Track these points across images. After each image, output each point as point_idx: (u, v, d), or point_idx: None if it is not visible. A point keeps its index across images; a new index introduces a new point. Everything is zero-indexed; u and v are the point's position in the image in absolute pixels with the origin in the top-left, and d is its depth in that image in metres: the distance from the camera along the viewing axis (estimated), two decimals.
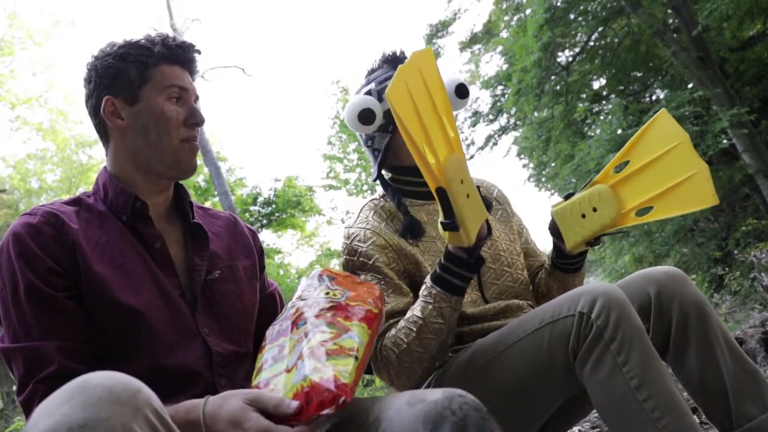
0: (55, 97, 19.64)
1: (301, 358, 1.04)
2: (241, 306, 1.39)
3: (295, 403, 0.97)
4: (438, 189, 1.33)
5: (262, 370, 1.12)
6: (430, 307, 1.50)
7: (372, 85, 1.78)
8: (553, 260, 1.76)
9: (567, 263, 1.74)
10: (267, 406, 0.99)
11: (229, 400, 1.01)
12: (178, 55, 1.38)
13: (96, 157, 18.58)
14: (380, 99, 1.74)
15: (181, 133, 1.35)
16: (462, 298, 1.51)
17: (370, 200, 1.79)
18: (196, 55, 1.43)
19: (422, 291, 1.54)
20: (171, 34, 1.41)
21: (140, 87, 1.34)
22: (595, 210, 1.57)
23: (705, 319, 1.47)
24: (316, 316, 1.13)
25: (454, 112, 1.50)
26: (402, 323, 1.54)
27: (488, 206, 1.82)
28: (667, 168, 1.52)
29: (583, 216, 1.59)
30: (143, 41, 1.37)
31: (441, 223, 1.38)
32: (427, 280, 1.53)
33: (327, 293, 1.21)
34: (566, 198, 1.63)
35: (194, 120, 1.37)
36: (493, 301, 1.70)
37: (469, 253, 1.43)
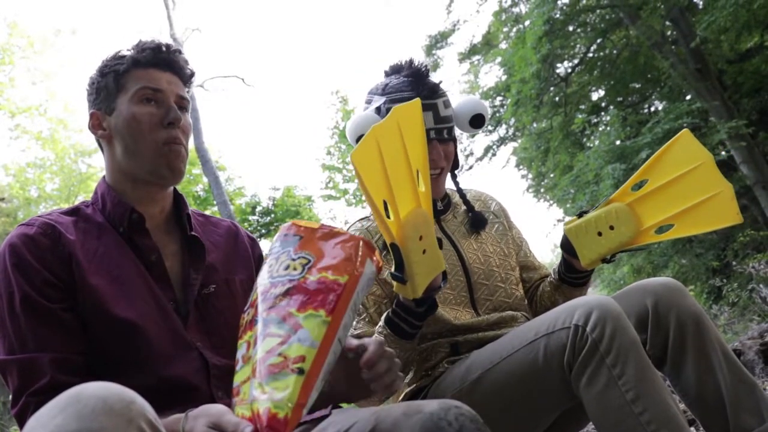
0: (54, 106, 19.70)
1: (253, 371, 0.97)
2: (235, 322, 1.34)
3: (249, 428, 0.91)
4: (391, 244, 1.31)
5: (235, 371, 1.04)
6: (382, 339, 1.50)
7: (382, 101, 1.73)
8: (561, 274, 1.75)
9: (576, 277, 1.73)
10: (226, 431, 0.95)
11: (199, 421, 0.99)
12: (149, 56, 1.35)
13: (95, 165, 18.63)
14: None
15: (160, 136, 1.31)
16: (413, 343, 1.51)
17: (358, 221, 1.79)
18: (177, 54, 1.39)
19: (377, 328, 1.54)
20: (156, 39, 1.39)
21: (116, 95, 1.33)
22: (612, 228, 1.57)
23: (702, 330, 1.47)
24: (269, 309, 1.02)
25: (465, 134, 1.50)
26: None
27: (482, 222, 1.82)
28: (689, 187, 1.52)
29: (599, 234, 1.58)
30: (120, 51, 1.37)
31: (390, 273, 1.37)
32: (381, 319, 1.53)
33: (287, 266, 1.07)
34: (579, 216, 1.62)
35: (169, 119, 1.32)
36: (486, 315, 1.70)
37: (417, 303, 1.43)
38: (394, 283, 1.37)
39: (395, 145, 1.28)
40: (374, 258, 1.11)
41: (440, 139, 1.71)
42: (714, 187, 1.50)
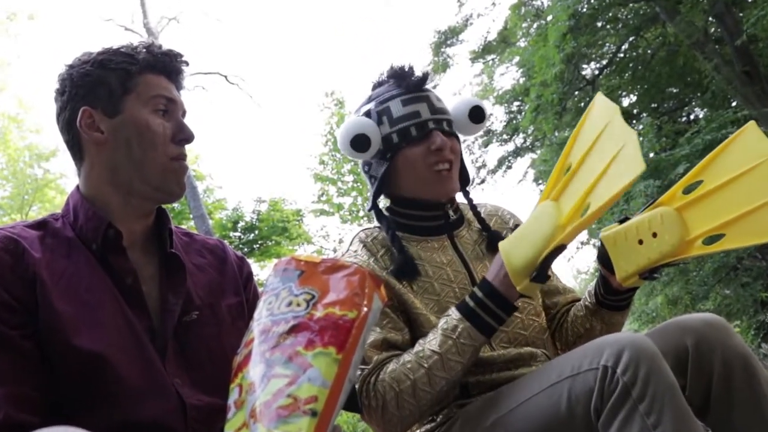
0: (6, 100, 19.56)
1: (253, 416, 0.99)
2: (221, 352, 1.36)
3: None
4: (561, 247, 1.44)
5: (227, 419, 1.06)
6: (451, 342, 1.50)
7: (371, 105, 1.79)
8: (599, 296, 1.74)
9: (616, 299, 1.71)
10: None
11: None
12: (165, 63, 1.40)
13: (53, 171, 18.58)
14: (380, 122, 1.76)
15: (170, 151, 1.37)
16: (488, 340, 1.52)
17: (362, 230, 1.80)
18: (184, 66, 1.44)
19: (443, 324, 1.54)
20: (155, 41, 1.42)
21: (122, 97, 1.35)
22: (655, 236, 1.52)
23: (751, 374, 1.46)
24: (273, 349, 1.05)
25: (467, 138, 1.53)
26: (408, 357, 1.54)
27: (500, 239, 1.82)
28: (747, 189, 1.45)
29: (640, 242, 1.53)
30: (125, 48, 1.39)
31: (532, 278, 1.46)
32: (453, 311, 1.53)
33: (290, 302, 1.11)
34: (621, 222, 1.59)
35: (183, 135, 1.39)
36: (501, 350, 1.69)
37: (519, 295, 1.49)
38: (524, 282, 1.47)
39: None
40: (381, 292, 1.15)
41: (440, 129, 1.75)
42: None
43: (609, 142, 1.46)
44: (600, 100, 1.55)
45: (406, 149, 1.73)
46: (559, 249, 1.46)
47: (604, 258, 1.62)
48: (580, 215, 1.44)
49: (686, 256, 1.53)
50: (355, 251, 1.73)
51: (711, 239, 1.50)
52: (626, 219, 1.59)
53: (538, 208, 1.55)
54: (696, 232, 1.50)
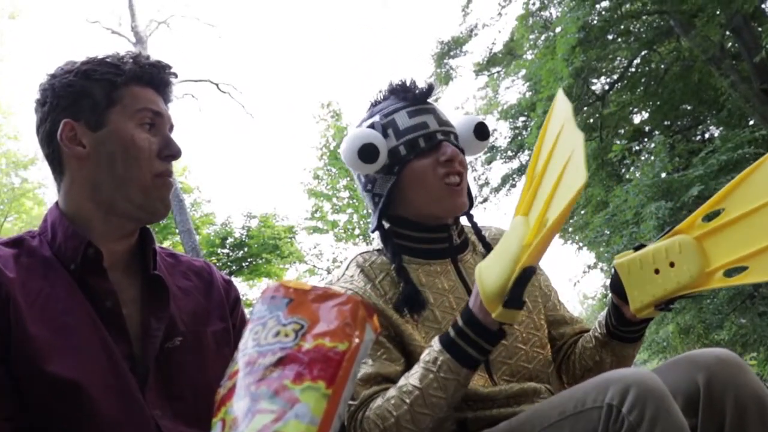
0: None
1: None
2: (204, 381, 1.34)
3: None
4: (528, 269, 1.34)
5: None
6: (432, 376, 1.47)
7: (376, 118, 1.77)
8: (610, 327, 1.71)
9: (628, 331, 1.69)
10: None
11: None
12: (152, 75, 1.39)
13: (31, 180, 18.57)
14: (385, 134, 1.74)
15: (155, 167, 1.36)
16: (473, 373, 1.49)
17: (359, 254, 1.78)
18: (173, 78, 1.44)
19: (425, 356, 1.51)
20: (143, 52, 1.42)
21: (107, 109, 1.34)
22: (672, 265, 1.51)
23: (767, 415, 1.45)
24: (258, 382, 1.03)
25: (472, 157, 1.52)
26: (392, 392, 1.52)
27: None
28: None
29: (656, 272, 1.52)
30: (110, 59, 1.38)
31: (505, 302, 1.36)
32: (435, 343, 1.49)
33: (278, 332, 1.09)
34: (636, 249, 1.57)
35: (170, 151, 1.38)
36: (503, 384, 1.68)
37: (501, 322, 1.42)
38: (497, 309, 1.37)
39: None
40: (374, 322, 1.13)
41: (449, 141, 1.74)
42: None
43: (563, 147, 1.38)
44: (560, 97, 1.47)
45: (414, 162, 1.71)
46: (527, 271, 1.38)
47: (617, 286, 1.60)
48: (540, 232, 1.36)
49: (705, 288, 1.51)
50: (352, 276, 1.71)
51: (733, 271, 1.49)
52: (642, 246, 1.58)
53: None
54: (717, 263, 1.49)
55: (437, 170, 1.70)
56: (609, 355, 1.73)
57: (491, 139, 13.35)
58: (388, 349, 1.61)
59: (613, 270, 1.61)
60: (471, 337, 1.44)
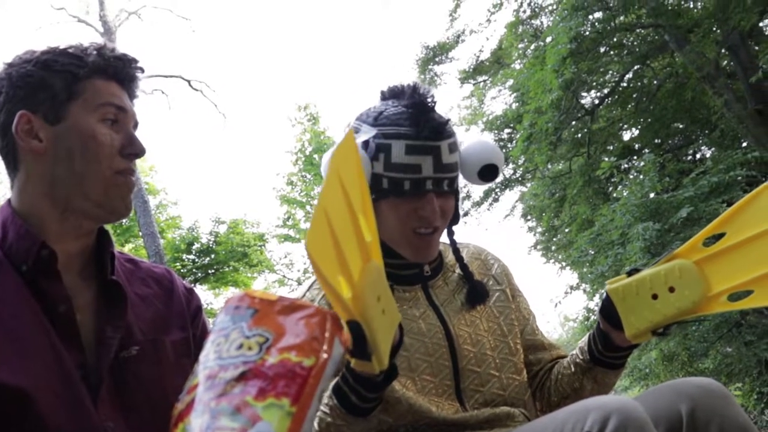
0: None
1: None
2: (162, 393, 1.34)
3: None
4: (350, 322, 1.23)
5: None
6: (329, 420, 1.48)
7: (374, 132, 1.70)
8: (594, 353, 1.72)
9: (613, 357, 1.71)
10: None
11: None
12: (117, 68, 1.39)
13: None
14: (375, 157, 1.67)
15: (116, 164, 1.35)
16: (364, 420, 1.48)
17: (316, 288, 1.75)
18: (139, 72, 1.44)
19: (324, 399, 1.50)
20: (108, 44, 1.41)
21: (67, 102, 1.33)
22: (672, 290, 1.54)
23: None
24: (219, 398, 1.01)
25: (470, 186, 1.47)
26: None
27: (483, 296, 1.80)
28: None
29: (654, 297, 1.55)
30: (73, 49, 1.37)
31: (349, 352, 1.29)
32: (330, 386, 1.49)
33: (241, 345, 1.07)
34: (629, 274, 1.60)
35: (132, 149, 1.37)
36: (475, 411, 1.67)
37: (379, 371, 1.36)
38: (353, 360, 1.32)
39: (340, 203, 1.22)
40: (343, 337, 1.12)
41: (438, 191, 1.69)
42: None
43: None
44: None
45: (392, 199, 1.68)
46: (350, 325, 1.25)
47: (608, 312, 1.62)
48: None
49: (706, 313, 1.55)
50: (312, 299, 1.69)
51: (736, 295, 1.52)
52: (635, 270, 1.60)
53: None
54: (720, 287, 1.52)
55: (410, 221, 1.69)
56: (590, 381, 1.75)
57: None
58: None
59: (604, 294, 1.62)
60: (351, 384, 1.43)
